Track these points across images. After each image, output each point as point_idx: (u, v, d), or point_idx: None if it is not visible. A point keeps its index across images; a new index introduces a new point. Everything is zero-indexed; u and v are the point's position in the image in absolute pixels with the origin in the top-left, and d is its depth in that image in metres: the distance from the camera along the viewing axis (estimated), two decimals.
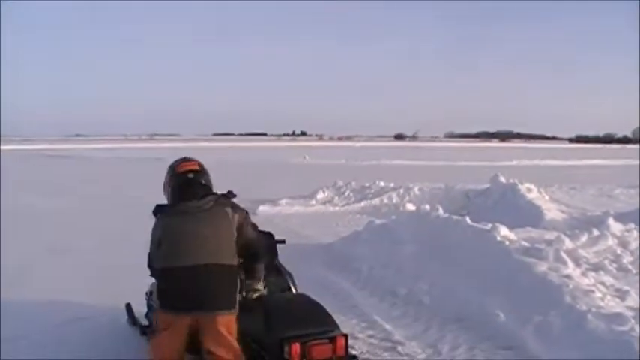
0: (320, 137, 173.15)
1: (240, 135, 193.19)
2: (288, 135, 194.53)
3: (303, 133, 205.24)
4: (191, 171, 3.87)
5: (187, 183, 3.81)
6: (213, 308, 3.60)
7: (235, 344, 3.62)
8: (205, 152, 57.57)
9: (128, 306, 6.16)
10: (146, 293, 5.70)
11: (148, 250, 3.85)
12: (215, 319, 3.59)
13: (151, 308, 5.56)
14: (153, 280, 5.59)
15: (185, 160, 3.97)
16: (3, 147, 61.02)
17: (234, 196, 3.87)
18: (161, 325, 3.71)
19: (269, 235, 5.12)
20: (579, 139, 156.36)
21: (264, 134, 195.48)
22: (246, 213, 3.86)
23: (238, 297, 3.72)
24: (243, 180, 24.74)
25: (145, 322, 5.72)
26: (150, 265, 3.94)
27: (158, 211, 3.80)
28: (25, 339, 5.51)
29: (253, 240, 3.90)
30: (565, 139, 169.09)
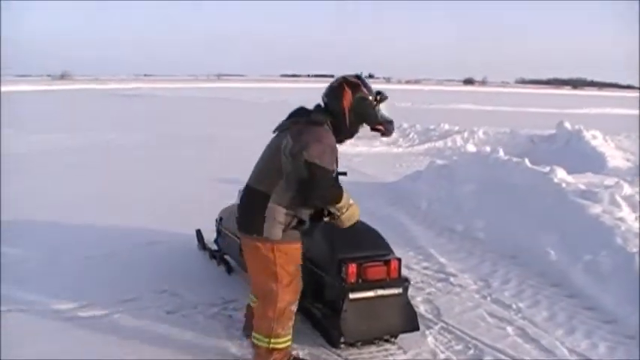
0: (387, 80, 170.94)
1: (308, 76, 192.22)
2: None
3: (370, 76, 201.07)
4: (330, 87, 3.65)
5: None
6: (241, 229, 3.68)
7: (254, 270, 3.68)
8: (272, 92, 58.07)
9: (198, 232, 6.55)
10: (216, 220, 6.09)
11: None
12: (243, 239, 3.71)
13: (219, 234, 5.98)
14: (222, 207, 6.04)
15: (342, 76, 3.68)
16: (72, 86, 62.79)
17: (316, 121, 3.50)
18: None
19: None
20: None
21: (332, 76, 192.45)
22: (312, 146, 3.34)
23: (277, 226, 3.47)
24: None
25: (214, 247, 6.15)
26: None
27: None
28: (111, 257, 6.05)
29: (298, 176, 3.38)
30: None
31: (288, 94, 53.08)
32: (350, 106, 3.55)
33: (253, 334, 3.70)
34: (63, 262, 5.84)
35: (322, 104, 3.64)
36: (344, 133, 3.63)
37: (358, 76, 3.69)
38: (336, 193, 3.47)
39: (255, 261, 3.60)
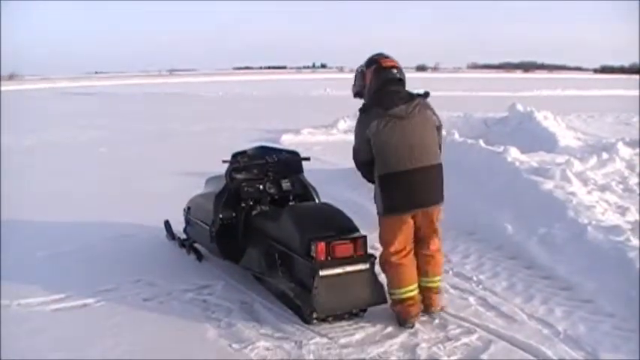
0: (340, 69, 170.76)
1: (260, 68, 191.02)
2: (308, 67, 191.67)
3: (323, 66, 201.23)
4: (395, 67, 4.29)
5: (393, 81, 4.27)
6: (431, 203, 4.31)
7: (441, 230, 4.48)
8: (226, 85, 57.78)
9: (167, 223, 6.68)
10: (184, 210, 6.23)
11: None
12: (432, 212, 4.34)
13: (189, 223, 6.11)
14: (190, 196, 6.17)
15: (385, 55, 4.38)
16: (22, 86, 61.64)
17: (428, 95, 4.35)
18: (389, 228, 4.28)
19: (295, 153, 5.61)
20: (604, 70, 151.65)
21: (284, 67, 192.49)
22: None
23: None
24: (266, 111, 25.08)
25: (183, 236, 6.28)
26: (355, 159, 4.57)
27: (365, 109, 4.34)
28: (84, 252, 6.14)
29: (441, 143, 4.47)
30: (589, 70, 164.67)
31: (242, 86, 53.01)
32: None
33: (435, 278, 4.49)
34: (38, 257, 5.93)
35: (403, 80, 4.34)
36: None
37: None
38: None
39: (438, 226, 4.47)
